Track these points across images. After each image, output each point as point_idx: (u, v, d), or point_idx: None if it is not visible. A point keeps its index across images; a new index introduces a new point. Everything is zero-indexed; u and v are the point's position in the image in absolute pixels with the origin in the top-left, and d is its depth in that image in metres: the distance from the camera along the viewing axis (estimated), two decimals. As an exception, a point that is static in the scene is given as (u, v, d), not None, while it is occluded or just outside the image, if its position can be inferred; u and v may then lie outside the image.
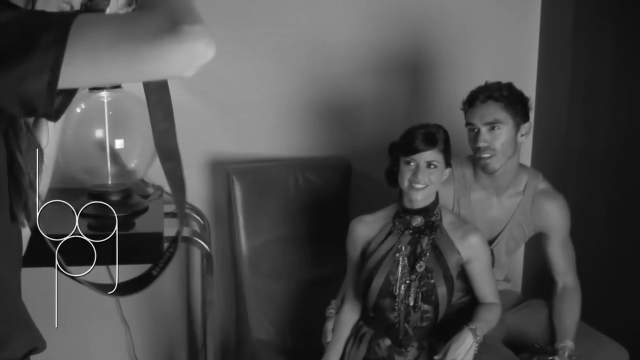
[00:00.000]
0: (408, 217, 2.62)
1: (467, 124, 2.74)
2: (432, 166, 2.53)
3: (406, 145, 2.55)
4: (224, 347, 3.51)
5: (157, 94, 1.31)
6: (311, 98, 3.38)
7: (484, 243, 2.69)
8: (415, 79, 3.46)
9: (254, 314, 3.12)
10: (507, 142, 2.70)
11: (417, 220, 2.62)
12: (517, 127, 2.71)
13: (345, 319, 2.76)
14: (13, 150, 1.22)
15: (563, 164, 3.33)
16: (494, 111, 2.68)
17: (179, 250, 3.36)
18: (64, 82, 1.05)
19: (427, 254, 2.60)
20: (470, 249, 2.65)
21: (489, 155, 2.70)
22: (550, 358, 2.64)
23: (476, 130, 2.71)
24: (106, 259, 2.86)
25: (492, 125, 2.68)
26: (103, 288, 1.47)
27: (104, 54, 1.05)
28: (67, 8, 1.25)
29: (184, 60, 1.07)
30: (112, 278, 3.17)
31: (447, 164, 2.59)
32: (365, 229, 2.71)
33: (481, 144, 2.69)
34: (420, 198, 2.56)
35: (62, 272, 1.39)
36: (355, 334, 2.70)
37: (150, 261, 2.68)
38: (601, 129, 3.31)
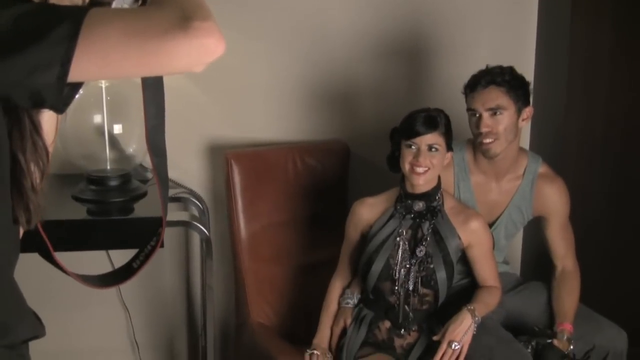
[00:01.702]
0: (409, 202, 2.63)
1: (469, 109, 2.74)
2: (433, 149, 2.53)
3: (407, 128, 2.55)
4: (223, 331, 3.52)
5: (153, 90, 1.31)
6: (310, 82, 3.37)
7: (485, 228, 2.70)
8: (414, 63, 3.46)
9: (253, 297, 3.13)
10: (509, 127, 2.69)
11: (419, 205, 2.62)
12: (519, 112, 2.71)
13: (334, 296, 2.80)
14: (16, 152, 1.21)
15: (561, 147, 3.33)
16: (496, 96, 2.67)
17: (178, 235, 3.39)
18: (73, 76, 1.06)
19: (428, 238, 2.61)
20: (471, 234, 2.65)
21: (491, 140, 2.69)
22: (549, 341, 2.65)
23: (478, 116, 2.70)
24: (104, 244, 2.90)
25: (495, 111, 2.67)
26: (87, 279, 1.48)
27: (115, 49, 1.05)
28: (79, 2, 1.25)
29: (194, 56, 1.07)
30: (112, 262, 3.19)
31: (449, 148, 2.59)
32: (368, 211, 2.72)
33: (483, 129, 2.68)
34: (421, 182, 2.56)
35: (52, 264, 1.40)
36: (356, 317, 2.71)
37: (146, 244, 2.70)
38: (600, 111, 3.32)
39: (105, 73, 1.09)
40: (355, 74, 3.40)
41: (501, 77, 2.68)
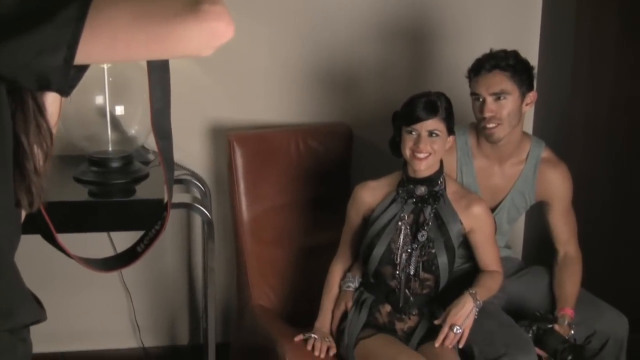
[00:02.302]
0: (412, 186, 2.61)
1: (472, 93, 2.72)
2: (433, 135, 2.52)
3: (407, 114, 2.54)
4: (225, 314, 3.52)
5: (159, 73, 1.30)
6: (313, 64, 3.36)
7: (488, 213, 2.69)
8: (418, 46, 3.44)
9: (255, 280, 3.13)
10: (513, 112, 2.68)
11: (421, 190, 2.61)
12: (523, 96, 2.70)
13: (335, 280, 2.81)
14: (19, 134, 1.20)
15: (566, 131, 3.32)
16: (500, 81, 2.66)
17: (180, 217, 3.38)
18: (80, 59, 1.04)
19: (430, 223, 2.60)
20: (473, 219, 2.64)
21: (494, 125, 2.68)
22: (550, 326, 2.65)
23: (481, 100, 2.69)
24: (105, 226, 2.89)
25: (498, 96, 2.66)
26: (90, 263, 1.47)
27: (123, 32, 1.04)
28: None
29: (203, 40, 1.06)
30: (113, 245, 3.18)
31: (450, 132, 2.57)
32: (370, 194, 2.71)
33: (487, 114, 2.67)
34: (423, 167, 2.55)
35: (55, 246, 1.39)
36: (357, 300, 2.70)
37: (151, 227, 2.70)
38: (605, 97, 3.30)
39: (112, 56, 1.07)
40: (359, 56, 3.39)
41: (505, 61, 2.67)
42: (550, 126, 3.42)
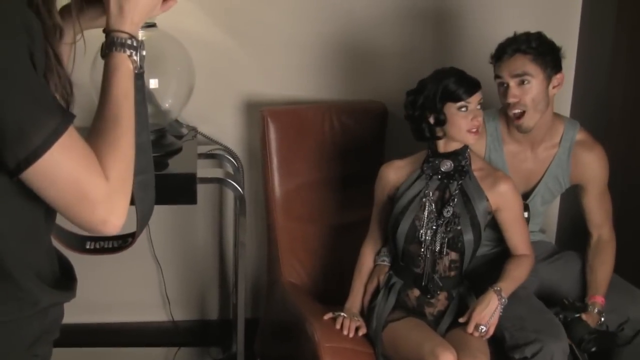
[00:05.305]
0: (437, 162, 2.58)
1: (496, 77, 2.68)
2: (479, 106, 2.51)
3: (457, 90, 2.49)
4: (255, 289, 3.53)
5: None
6: (349, 41, 3.33)
7: (515, 191, 2.64)
8: (455, 25, 3.39)
9: (286, 256, 3.13)
10: (538, 96, 2.63)
11: (447, 165, 2.58)
12: (548, 79, 2.64)
13: (366, 261, 2.80)
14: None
15: (604, 113, 3.27)
16: (522, 64, 2.61)
17: (212, 192, 3.37)
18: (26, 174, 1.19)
19: (455, 199, 2.57)
20: (499, 197, 2.60)
21: (520, 110, 2.64)
22: (577, 315, 2.61)
23: (505, 85, 2.65)
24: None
25: (522, 79, 2.61)
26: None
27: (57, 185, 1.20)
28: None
29: (98, 230, 1.25)
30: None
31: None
32: (394, 173, 2.69)
33: (511, 100, 2.63)
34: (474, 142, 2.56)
35: None
36: (385, 284, 2.69)
37: (183, 202, 2.70)
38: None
39: (46, 190, 1.22)
40: (397, 34, 3.35)
41: (527, 44, 2.61)
42: (587, 107, 3.37)
